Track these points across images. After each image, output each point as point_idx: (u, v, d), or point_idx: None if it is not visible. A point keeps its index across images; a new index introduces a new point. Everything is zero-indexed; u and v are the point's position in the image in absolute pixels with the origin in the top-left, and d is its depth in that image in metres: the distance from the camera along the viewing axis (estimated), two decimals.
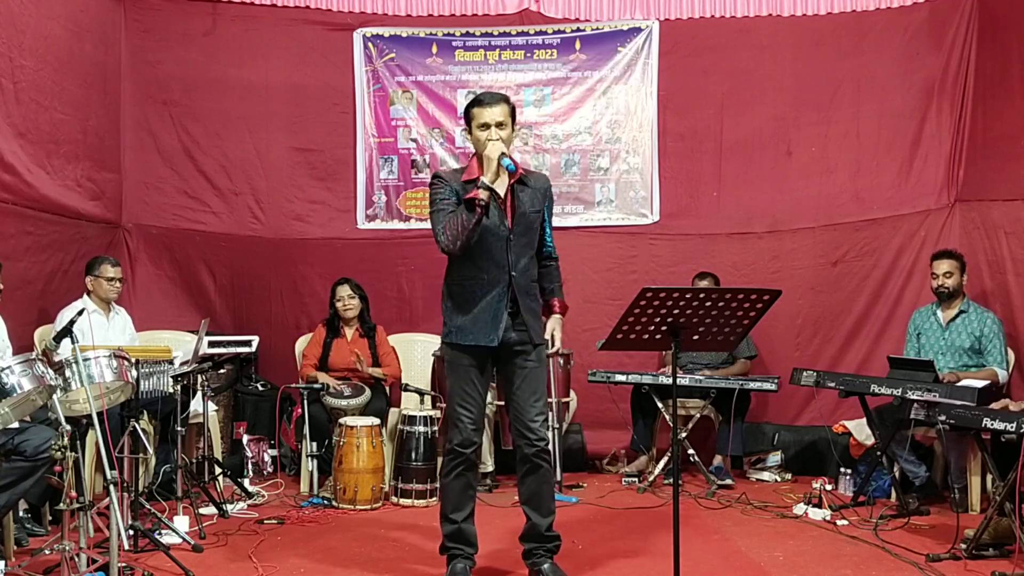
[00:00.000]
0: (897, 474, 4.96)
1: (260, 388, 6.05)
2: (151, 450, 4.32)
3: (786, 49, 6.16)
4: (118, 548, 3.27)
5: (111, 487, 3.19)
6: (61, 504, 3.21)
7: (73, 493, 3.20)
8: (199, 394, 4.74)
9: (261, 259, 6.30)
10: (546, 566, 3.57)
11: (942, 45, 5.88)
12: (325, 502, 4.93)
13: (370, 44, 6.33)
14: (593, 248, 6.24)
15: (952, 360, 5.07)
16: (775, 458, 5.78)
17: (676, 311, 3.06)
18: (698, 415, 5.51)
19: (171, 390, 4.36)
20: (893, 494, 4.93)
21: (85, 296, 4.95)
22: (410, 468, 4.98)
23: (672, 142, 6.27)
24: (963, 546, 3.88)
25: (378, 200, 6.38)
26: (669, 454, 5.22)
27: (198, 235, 6.28)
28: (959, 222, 5.78)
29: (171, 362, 4.46)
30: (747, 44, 6.19)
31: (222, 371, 5.83)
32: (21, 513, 4.09)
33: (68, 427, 3.21)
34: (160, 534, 3.97)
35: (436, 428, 5.06)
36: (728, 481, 5.38)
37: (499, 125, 3.43)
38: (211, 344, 5.20)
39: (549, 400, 4.91)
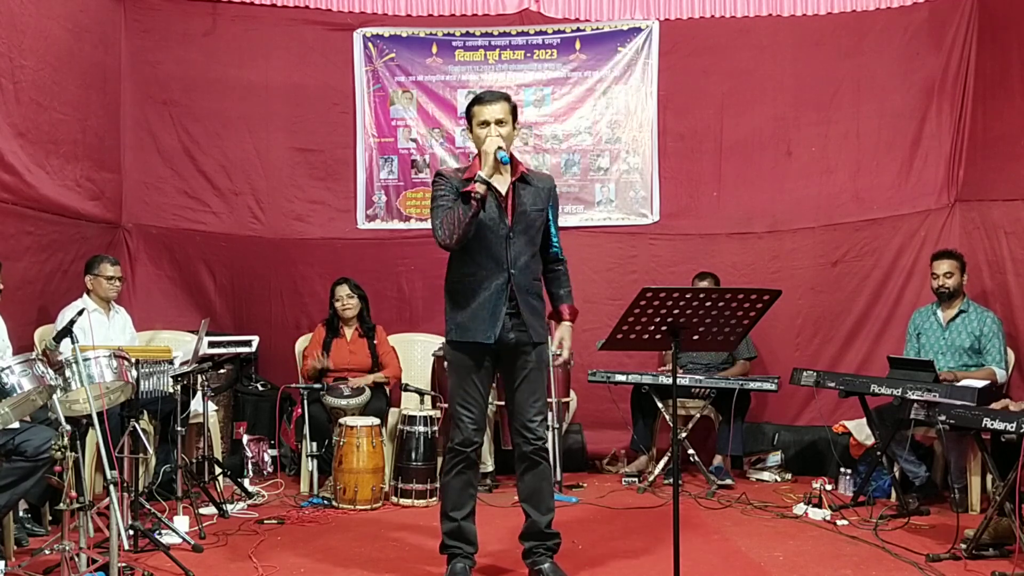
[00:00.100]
0: (897, 474, 4.96)
1: (260, 388, 6.05)
2: (151, 450, 4.32)
3: (786, 49, 6.16)
4: (118, 548, 3.27)
5: (111, 487, 3.19)
6: (61, 504, 3.21)
7: (73, 493, 3.20)
8: (199, 394, 4.74)
9: (261, 259, 6.30)
10: (546, 565, 3.57)
11: (942, 45, 5.88)
12: (325, 502, 4.93)
13: (370, 44, 6.34)
14: (593, 248, 6.24)
15: (952, 360, 5.07)
16: (775, 458, 5.78)
17: (676, 311, 3.06)
18: (698, 415, 5.51)
19: (171, 390, 4.36)
20: (893, 494, 4.93)
21: (85, 295, 4.96)
22: (410, 468, 4.98)
23: (672, 142, 6.28)
24: (963, 546, 3.88)
25: (378, 200, 6.38)
26: (669, 454, 5.22)
27: (198, 235, 6.28)
28: (959, 222, 5.78)
29: (171, 362, 4.46)
30: (747, 44, 6.19)
31: (222, 371, 5.83)
32: (21, 513, 4.09)
33: (68, 427, 3.21)
34: (160, 534, 3.97)
35: (436, 428, 5.07)
36: (728, 481, 5.38)
37: (499, 123, 3.45)
38: (211, 344, 5.20)
39: (549, 400, 4.90)
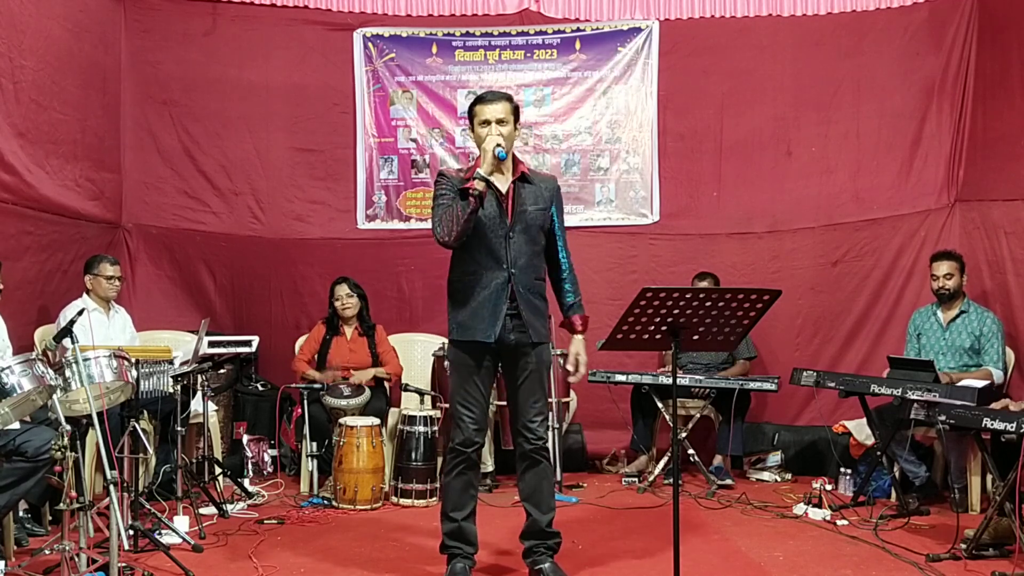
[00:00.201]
0: (897, 474, 4.96)
1: (260, 388, 6.06)
2: (151, 450, 4.32)
3: (786, 49, 6.16)
4: (118, 548, 3.27)
5: (111, 487, 3.19)
6: (61, 504, 3.21)
7: (73, 493, 3.20)
8: (199, 394, 4.74)
9: (261, 259, 6.30)
10: (546, 565, 3.57)
11: (942, 45, 5.88)
12: (325, 502, 4.93)
13: (370, 44, 6.34)
14: (593, 248, 6.23)
15: (952, 360, 5.06)
16: (775, 458, 5.78)
17: (676, 311, 3.06)
18: (698, 415, 5.51)
19: (171, 390, 4.36)
20: (893, 494, 4.93)
21: (85, 295, 4.96)
22: (410, 468, 4.98)
23: (672, 142, 6.28)
24: (963, 546, 3.88)
25: (378, 200, 6.38)
26: (669, 454, 5.22)
27: (198, 235, 6.28)
28: (959, 222, 5.78)
29: (171, 362, 4.47)
30: (747, 44, 6.19)
31: (222, 371, 5.83)
32: (21, 513, 4.09)
33: (68, 427, 3.21)
34: (160, 534, 3.97)
35: (436, 428, 5.07)
36: (728, 481, 5.38)
37: (500, 122, 3.46)
38: (211, 344, 5.20)
39: (549, 400, 4.90)
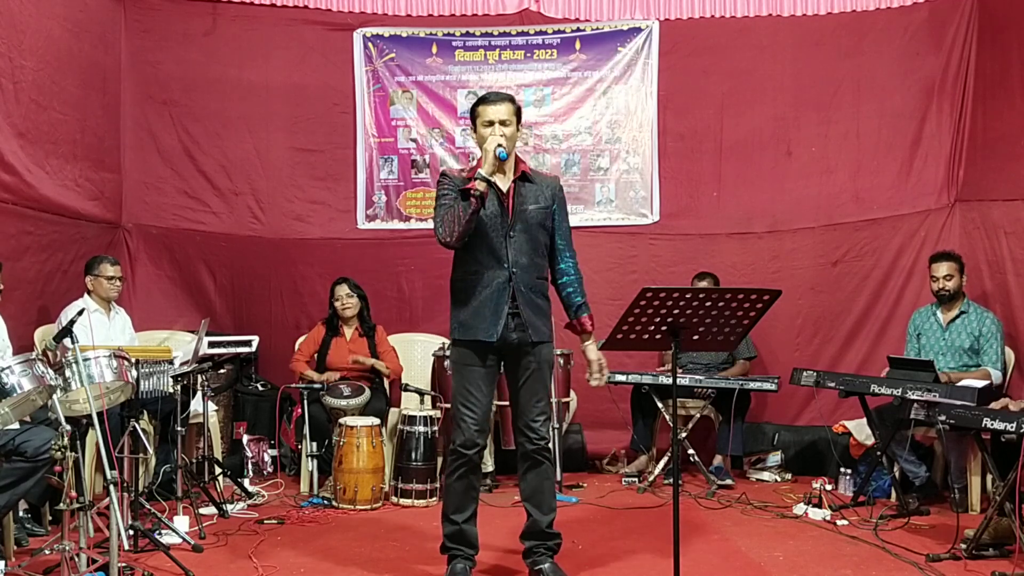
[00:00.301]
0: (897, 474, 4.96)
1: (260, 388, 6.06)
2: (151, 450, 4.32)
3: (786, 49, 6.17)
4: (118, 548, 3.27)
5: (111, 487, 3.19)
6: (61, 504, 3.21)
7: (73, 493, 3.20)
8: (199, 394, 4.74)
9: (261, 259, 6.30)
10: (546, 565, 3.57)
11: (942, 45, 5.88)
12: (325, 502, 4.93)
13: (370, 44, 6.34)
14: (593, 248, 6.22)
15: (952, 360, 5.06)
16: (775, 458, 5.78)
17: (676, 311, 3.06)
18: (698, 415, 5.51)
19: (171, 390, 4.36)
20: (893, 494, 4.93)
21: (85, 296, 4.96)
22: (410, 468, 4.98)
23: (672, 142, 6.28)
24: (963, 546, 3.88)
25: (378, 200, 6.38)
26: (669, 454, 5.22)
27: (198, 235, 6.28)
28: (959, 222, 5.78)
29: (171, 362, 4.46)
30: (747, 44, 6.19)
31: (222, 371, 5.83)
32: (21, 513, 4.09)
33: (68, 427, 3.21)
34: (160, 534, 3.97)
35: (436, 428, 5.07)
36: (728, 481, 5.38)
37: (503, 123, 3.47)
38: (211, 344, 5.19)
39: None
